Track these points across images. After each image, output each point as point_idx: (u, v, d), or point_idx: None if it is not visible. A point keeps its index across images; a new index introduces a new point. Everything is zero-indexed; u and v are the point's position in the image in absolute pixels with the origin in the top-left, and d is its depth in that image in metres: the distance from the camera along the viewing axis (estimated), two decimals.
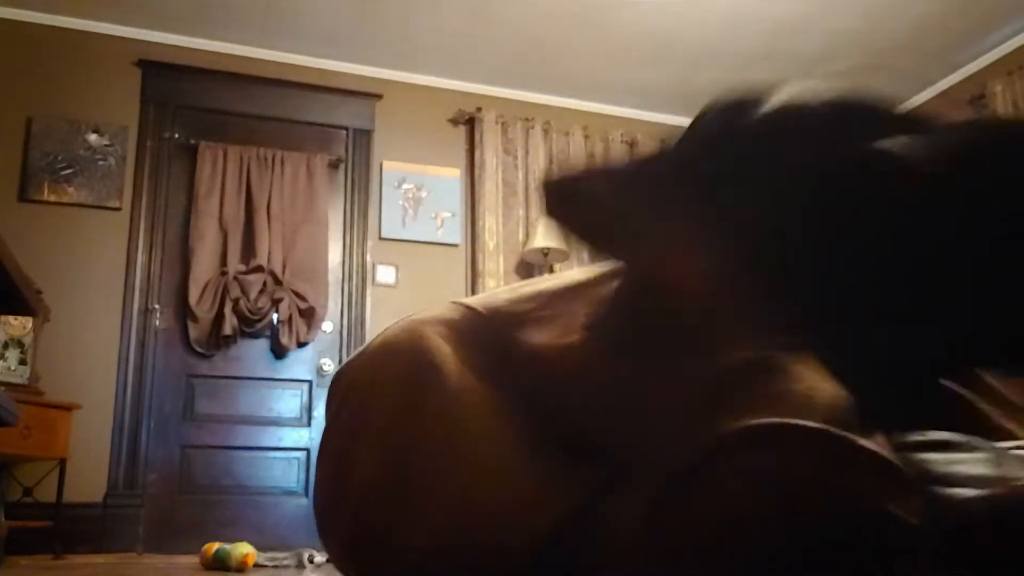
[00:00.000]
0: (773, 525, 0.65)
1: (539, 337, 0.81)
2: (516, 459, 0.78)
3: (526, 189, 4.93)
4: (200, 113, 4.55)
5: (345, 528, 0.85)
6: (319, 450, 0.95)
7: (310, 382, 4.42)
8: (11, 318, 3.57)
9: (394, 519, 0.80)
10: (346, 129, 4.79)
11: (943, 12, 4.38)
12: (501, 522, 0.76)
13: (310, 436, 4.33)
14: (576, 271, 0.89)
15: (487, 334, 0.85)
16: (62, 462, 3.57)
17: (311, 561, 3.25)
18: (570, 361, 0.78)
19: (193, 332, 4.19)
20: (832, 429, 0.66)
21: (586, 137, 5.15)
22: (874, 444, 0.67)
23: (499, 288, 0.94)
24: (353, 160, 4.76)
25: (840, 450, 0.66)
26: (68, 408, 3.65)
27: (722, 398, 0.71)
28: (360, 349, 0.96)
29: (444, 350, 0.84)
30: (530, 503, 0.75)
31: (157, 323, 4.22)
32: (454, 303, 0.91)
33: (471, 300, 0.91)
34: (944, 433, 0.74)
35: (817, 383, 0.72)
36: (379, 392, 0.86)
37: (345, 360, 1.07)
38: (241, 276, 4.26)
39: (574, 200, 0.75)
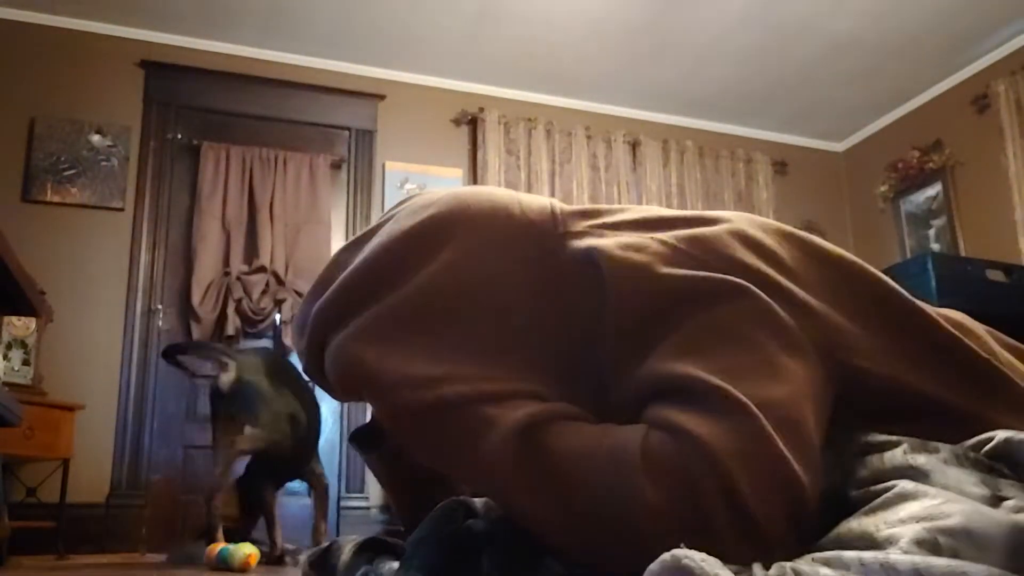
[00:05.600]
0: None
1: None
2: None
3: (528, 190, 4.93)
4: (203, 113, 4.56)
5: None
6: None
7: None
8: (14, 319, 3.58)
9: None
10: (348, 129, 4.79)
11: (946, 12, 4.37)
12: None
13: None
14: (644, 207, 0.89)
15: (553, 237, 0.83)
16: (65, 462, 3.57)
17: None
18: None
19: (196, 332, 4.19)
20: None
21: (588, 137, 5.15)
22: None
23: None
24: (355, 160, 4.76)
25: None
26: (71, 408, 3.65)
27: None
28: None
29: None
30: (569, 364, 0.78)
31: (160, 323, 4.22)
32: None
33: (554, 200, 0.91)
34: (889, 436, 0.70)
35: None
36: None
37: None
38: (244, 276, 4.27)
39: None
